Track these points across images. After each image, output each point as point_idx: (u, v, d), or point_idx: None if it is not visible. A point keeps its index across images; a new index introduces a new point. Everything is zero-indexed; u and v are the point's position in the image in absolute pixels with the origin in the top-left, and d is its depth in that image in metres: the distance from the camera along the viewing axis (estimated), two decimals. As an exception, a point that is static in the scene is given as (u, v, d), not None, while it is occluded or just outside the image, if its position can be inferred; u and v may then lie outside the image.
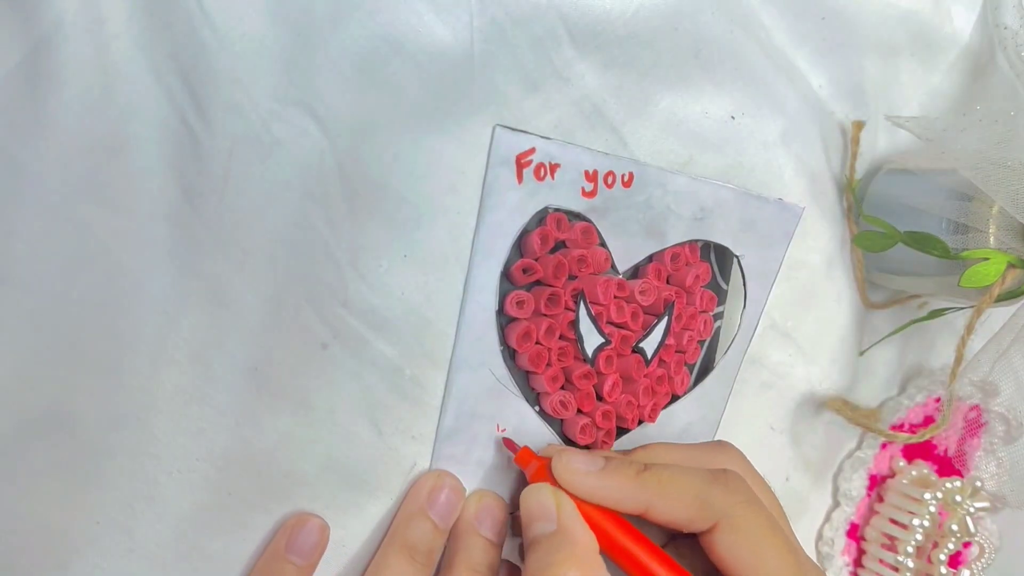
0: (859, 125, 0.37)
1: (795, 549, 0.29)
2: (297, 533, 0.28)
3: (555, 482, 0.29)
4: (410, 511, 0.29)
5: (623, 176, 0.31)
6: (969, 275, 0.33)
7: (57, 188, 0.23)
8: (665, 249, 0.33)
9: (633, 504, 0.28)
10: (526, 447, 0.31)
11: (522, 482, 0.32)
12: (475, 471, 0.31)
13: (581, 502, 0.28)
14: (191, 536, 0.26)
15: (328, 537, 0.28)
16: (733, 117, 0.34)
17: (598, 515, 0.28)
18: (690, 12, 0.31)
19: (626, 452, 0.32)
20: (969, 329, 0.34)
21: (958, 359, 0.35)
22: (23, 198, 0.23)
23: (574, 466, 0.29)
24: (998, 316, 0.34)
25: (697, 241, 0.34)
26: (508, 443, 0.31)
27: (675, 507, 0.28)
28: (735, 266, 0.35)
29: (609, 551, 0.28)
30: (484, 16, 0.28)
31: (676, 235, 0.33)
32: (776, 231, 0.35)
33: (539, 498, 0.28)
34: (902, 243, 0.35)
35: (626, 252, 0.32)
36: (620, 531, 0.28)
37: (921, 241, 0.34)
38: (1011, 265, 0.33)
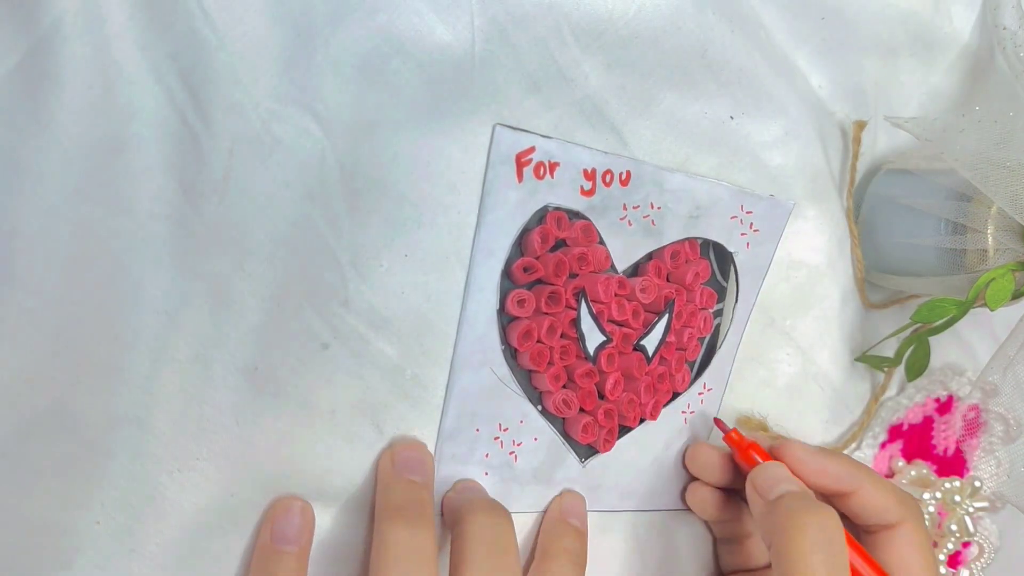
0: (861, 125, 0.37)
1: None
2: (279, 521, 0.27)
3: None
4: (384, 482, 0.29)
5: (621, 175, 0.31)
6: (992, 294, 0.33)
7: (57, 188, 0.23)
8: (665, 247, 0.33)
9: (849, 483, 0.32)
10: (735, 428, 0.35)
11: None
12: (478, 471, 0.31)
13: None
14: (192, 536, 0.26)
15: (313, 516, 0.28)
16: (732, 117, 0.34)
17: None
18: (691, 12, 0.31)
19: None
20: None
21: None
22: (23, 198, 0.23)
23: (800, 446, 0.33)
24: (1000, 317, 0.34)
25: (696, 238, 0.34)
26: (719, 423, 0.35)
27: (882, 493, 0.32)
28: (731, 263, 0.35)
29: None
30: (485, 16, 0.28)
31: (673, 233, 0.33)
32: (767, 227, 0.35)
33: (778, 469, 0.32)
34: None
35: (624, 251, 0.32)
36: None
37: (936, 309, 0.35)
38: (1012, 270, 0.33)
